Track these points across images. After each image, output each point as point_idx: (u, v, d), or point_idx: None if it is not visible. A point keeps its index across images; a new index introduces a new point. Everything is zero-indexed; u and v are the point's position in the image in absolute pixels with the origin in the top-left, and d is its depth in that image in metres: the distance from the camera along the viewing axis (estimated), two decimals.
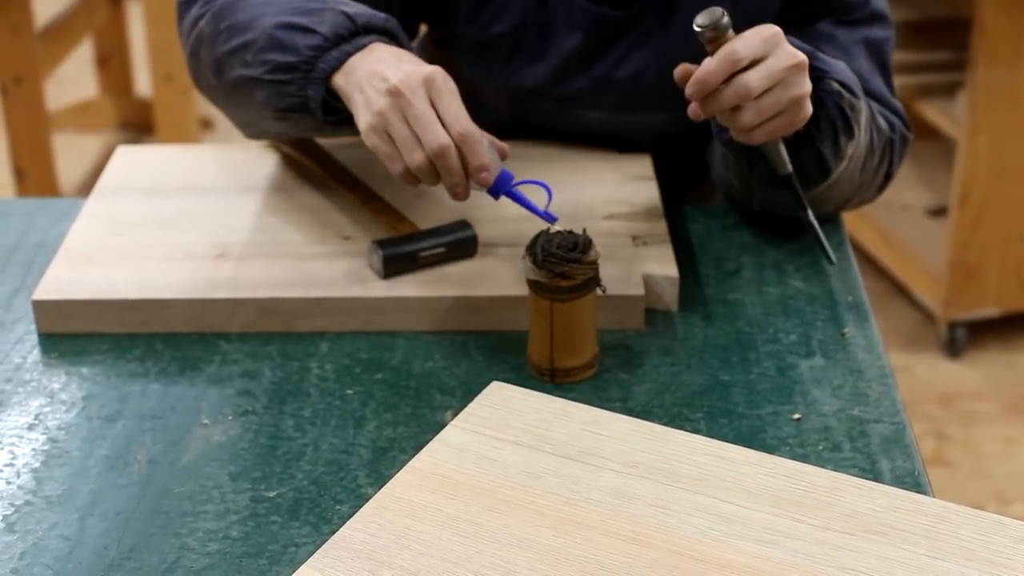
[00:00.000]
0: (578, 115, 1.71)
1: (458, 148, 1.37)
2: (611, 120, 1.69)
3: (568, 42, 1.66)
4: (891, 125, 1.63)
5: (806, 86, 1.38)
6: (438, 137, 1.35)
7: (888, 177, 1.66)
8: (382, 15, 1.49)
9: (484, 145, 1.38)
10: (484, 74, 1.71)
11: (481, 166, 1.38)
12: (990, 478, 2.93)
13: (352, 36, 1.45)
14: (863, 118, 1.50)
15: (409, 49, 1.49)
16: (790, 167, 1.48)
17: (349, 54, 1.43)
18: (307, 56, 1.45)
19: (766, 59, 1.35)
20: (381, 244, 1.48)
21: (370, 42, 1.45)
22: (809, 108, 1.40)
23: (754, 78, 1.34)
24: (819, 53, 1.48)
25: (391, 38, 1.48)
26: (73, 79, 4.62)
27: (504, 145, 1.44)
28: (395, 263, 1.48)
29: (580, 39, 1.65)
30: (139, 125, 4.41)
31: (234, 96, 1.56)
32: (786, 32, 1.45)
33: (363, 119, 1.39)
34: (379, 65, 1.40)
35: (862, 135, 1.51)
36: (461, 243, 1.51)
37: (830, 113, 1.47)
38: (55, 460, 1.28)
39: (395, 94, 1.36)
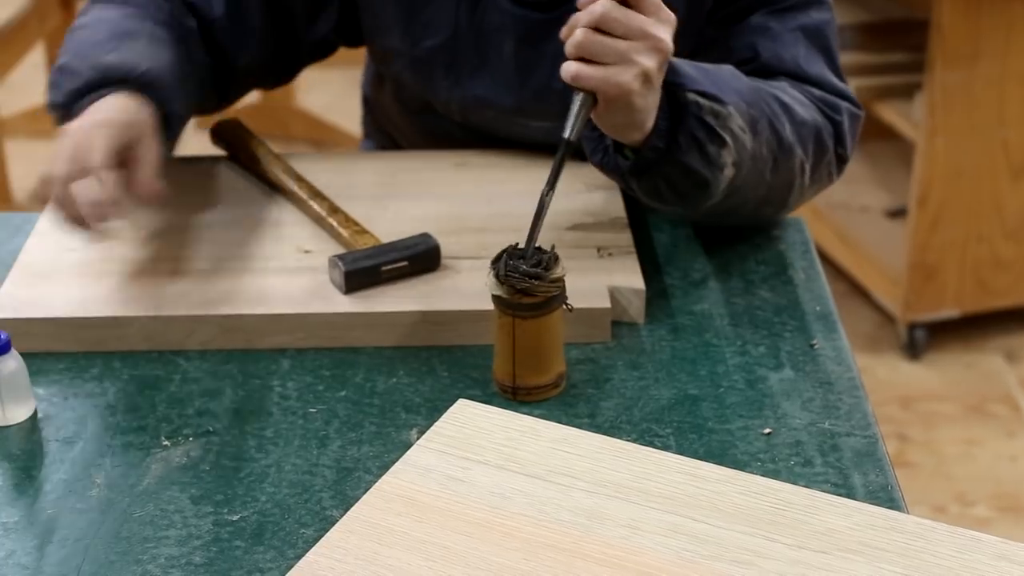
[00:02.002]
0: (521, 125, 1.69)
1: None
2: (555, 129, 1.66)
3: (502, 49, 1.65)
4: (835, 107, 1.59)
5: (637, 56, 1.32)
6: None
7: (842, 160, 1.63)
8: (142, 68, 1.51)
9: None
10: (427, 88, 1.71)
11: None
12: (952, 480, 2.92)
13: (100, 86, 1.50)
14: (736, 123, 1.43)
15: (171, 103, 1.53)
16: (568, 134, 1.36)
17: (92, 100, 1.48)
18: (65, 100, 1.51)
19: (635, 14, 1.32)
20: (342, 259, 1.46)
21: (110, 92, 1.49)
22: (629, 88, 1.33)
23: (599, 11, 1.32)
24: (677, 63, 1.41)
25: (144, 90, 1.50)
26: (24, 85, 4.57)
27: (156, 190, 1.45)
28: (357, 278, 1.45)
29: (512, 45, 1.64)
30: None
31: None
32: (721, 29, 1.47)
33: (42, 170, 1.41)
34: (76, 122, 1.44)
35: (745, 139, 1.45)
36: (423, 255, 1.49)
37: (688, 126, 1.41)
38: (11, 485, 1.25)
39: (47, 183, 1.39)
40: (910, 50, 3.26)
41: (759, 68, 1.57)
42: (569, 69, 1.34)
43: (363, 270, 1.46)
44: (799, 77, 1.59)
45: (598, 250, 1.53)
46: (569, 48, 1.34)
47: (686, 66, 1.43)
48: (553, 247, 1.33)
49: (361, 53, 1.88)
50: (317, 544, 1.09)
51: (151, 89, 1.52)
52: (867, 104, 3.28)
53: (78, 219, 1.38)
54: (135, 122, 1.46)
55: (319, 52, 1.79)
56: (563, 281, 1.32)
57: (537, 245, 1.32)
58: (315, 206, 1.58)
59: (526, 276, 1.29)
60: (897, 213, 3.48)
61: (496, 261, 1.32)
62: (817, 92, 1.59)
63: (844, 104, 1.61)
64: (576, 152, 1.69)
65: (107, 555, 1.17)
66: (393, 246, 1.49)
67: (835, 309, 1.50)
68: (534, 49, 1.64)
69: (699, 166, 1.43)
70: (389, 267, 1.47)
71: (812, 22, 1.60)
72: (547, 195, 1.36)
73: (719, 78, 1.45)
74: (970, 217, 3.18)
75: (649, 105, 1.37)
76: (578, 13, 1.34)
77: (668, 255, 1.60)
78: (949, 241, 3.19)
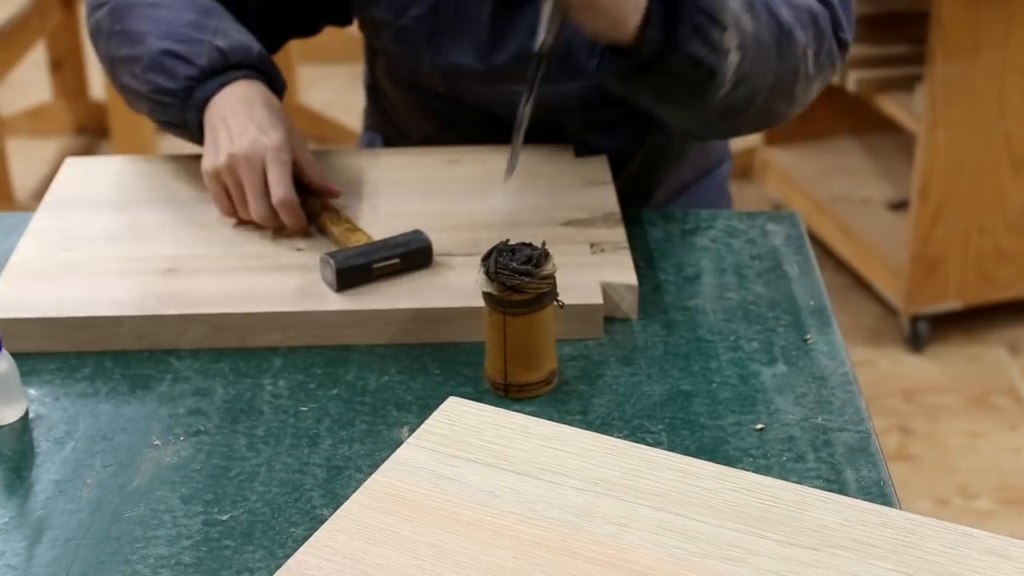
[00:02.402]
0: (504, 91, 1.68)
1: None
2: (540, 96, 1.65)
3: (480, 14, 1.66)
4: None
5: None
6: (260, 208, 1.54)
7: (842, 44, 1.58)
8: (255, 50, 1.62)
9: (298, 209, 1.54)
10: (412, 58, 1.73)
11: (293, 227, 1.55)
12: (955, 473, 2.92)
13: (224, 71, 1.60)
14: (733, 5, 1.40)
15: (277, 82, 1.64)
16: (540, 44, 1.38)
17: (221, 85, 1.59)
18: (185, 85, 1.59)
19: None
20: (333, 256, 1.45)
21: (239, 77, 1.60)
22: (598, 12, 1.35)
23: None
24: None
25: (260, 72, 1.62)
26: (26, 83, 4.57)
27: (335, 189, 1.61)
28: (349, 276, 1.45)
29: (489, 9, 1.65)
30: (94, 129, 4.36)
31: (120, 92, 1.69)
32: None
33: (206, 162, 1.57)
34: (233, 118, 1.56)
35: (745, 21, 1.42)
36: (415, 253, 1.49)
37: (687, 12, 1.38)
38: (2, 486, 1.25)
39: (232, 161, 1.54)
40: (911, 42, 3.25)
41: None
42: None
43: (354, 268, 1.45)
44: None
45: (591, 246, 1.52)
46: None
47: None
48: (544, 243, 1.32)
49: (361, 48, 1.90)
50: (305, 543, 1.09)
51: (268, 69, 1.62)
52: (868, 96, 3.29)
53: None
54: (288, 126, 1.58)
55: (305, 29, 1.84)
56: (554, 278, 1.31)
57: (528, 242, 1.32)
58: (307, 204, 1.58)
59: (516, 273, 1.29)
60: (899, 205, 3.48)
61: (486, 258, 1.31)
62: None
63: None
64: (545, 114, 1.68)
65: (97, 556, 1.16)
66: (385, 243, 1.49)
67: (829, 303, 1.50)
68: (508, 12, 1.65)
69: (703, 53, 1.40)
70: (381, 265, 1.46)
71: None
72: (524, 107, 1.43)
73: None
74: (972, 209, 3.17)
75: (614, 2, 1.36)
76: None
77: (662, 250, 1.59)
78: (951, 233, 3.18)
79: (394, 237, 1.50)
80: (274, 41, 1.80)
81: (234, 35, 1.62)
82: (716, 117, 1.52)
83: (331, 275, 1.44)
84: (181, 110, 1.60)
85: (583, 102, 1.69)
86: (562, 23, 1.38)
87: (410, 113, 1.85)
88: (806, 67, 1.52)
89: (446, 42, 1.69)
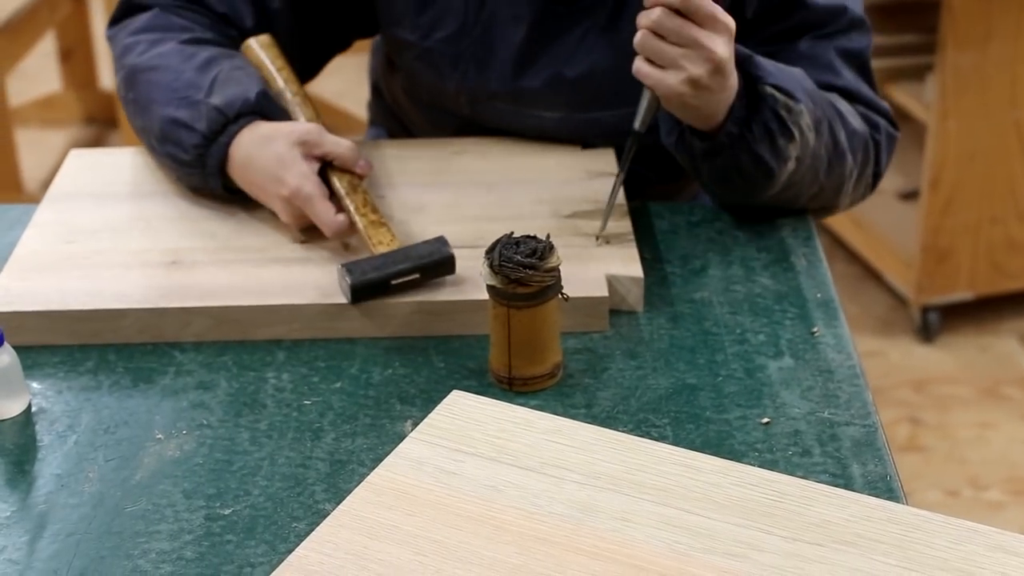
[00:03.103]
0: (533, 116, 1.69)
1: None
2: (567, 119, 1.67)
3: (511, 38, 1.65)
4: (875, 125, 1.66)
5: (687, 62, 1.42)
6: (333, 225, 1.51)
7: (877, 176, 1.69)
8: (252, 94, 1.58)
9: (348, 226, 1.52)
10: (436, 79, 1.71)
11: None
12: (965, 464, 2.91)
13: (225, 127, 1.57)
14: (805, 120, 1.52)
15: (277, 118, 1.59)
16: (639, 125, 1.51)
17: (227, 145, 1.57)
18: (195, 154, 1.58)
19: (691, 23, 1.41)
20: (351, 271, 1.41)
21: (242, 127, 1.57)
22: (678, 91, 1.44)
23: (654, 17, 1.42)
24: (758, 58, 1.51)
25: (261, 114, 1.58)
26: (35, 73, 4.57)
27: (364, 165, 1.57)
28: (364, 291, 1.42)
29: (524, 33, 1.64)
30: (104, 119, 4.35)
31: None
32: (768, 48, 1.55)
33: (282, 217, 1.54)
34: (256, 171, 1.55)
35: (810, 136, 1.53)
36: (436, 266, 1.44)
37: (763, 117, 1.49)
38: (3, 480, 1.25)
39: (290, 200, 1.51)
40: (922, 31, 3.24)
41: None
42: (635, 64, 1.45)
43: (371, 284, 1.41)
44: (849, 95, 1.64)
45: (597, 238, 1.51)
46: (635, 46, 1.44)
47: (765, 62, 1.51)
48: (548, 236, 1.32)
49: (370, 40, 1.89)
50: (307, 539, 1.08)
51: (267, 110, 1.59)
52: (879, 86, 3.27)
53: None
54: (300, 133, 1.56)
55: (339, 45, 1.83)
56: (558, 270, 1.30)
57: (532, 234, 1.31)
58: (336, 181, 1.55)
59: (520, 266, 1.28)
60: (910, 195, 3.46)
61: (490, 251, 1.31)
62: (862, 109, 1.65)
63: (883, 123, 1.67)
64: (572, 142, 1.70)
65: (98, 550, 1.16)
66: (406, 254, 1.44)
67: (836, 296, 1.49)
68: (545, 37, 1.64)
69: (767, 155, 1.52)
70: (399, 281, 1.43)
71: (855, 45, 1.66)
72: (619, 178, 1.54)
73: (792, 76, 1.53)
74: (983, 199, 3.16)
75: (707, 104, 1.47)
76: (641, 12, 1.44)
77: (668, 242, 1.58)
78: (962, 223, 3.17)
79: (416, 246, 1.45)
80: (316, 63, 1.81)
81: (230, 86, 1.59)
82: (756, 204, 1.62)
83: (347, 289, 1.42)
84: (202, 178, 1.59)
85: (614, 129, 1.68)
86: (658, 109, 1.51)
87: (425, 126, 1.84)
88: (848, 186, 1.64)
89: (473, 65, 1.68)
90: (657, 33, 1.42)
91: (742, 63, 1.49)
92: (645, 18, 1.43)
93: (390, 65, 1.86)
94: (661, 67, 1.43)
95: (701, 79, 1.43)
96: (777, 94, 1.49)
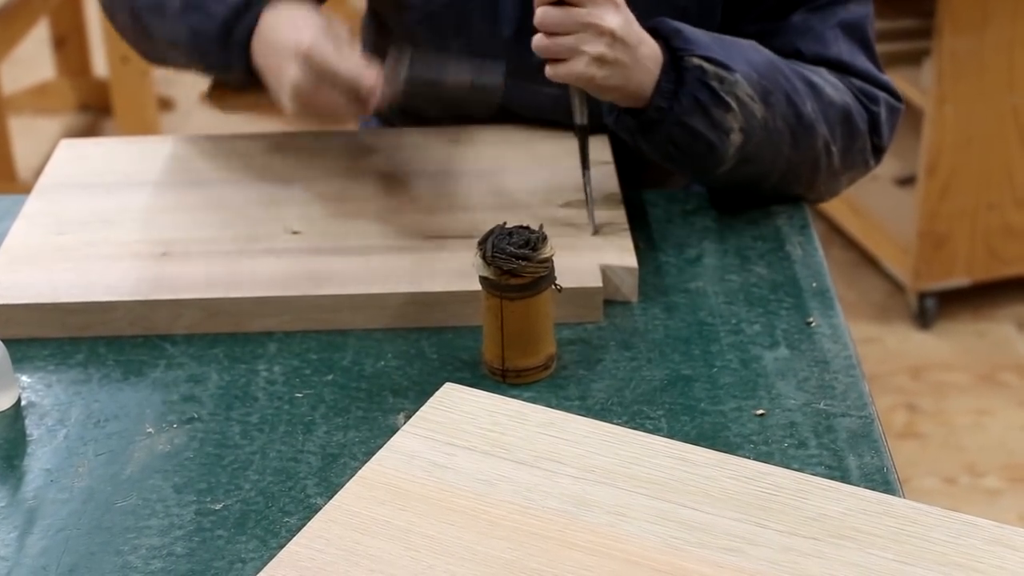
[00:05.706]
0: (533, 92, 1.66)
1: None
2: (564, 98, 1.65)
3: (511, 13, 1.63)
4: (873, 97, 1.63)
5: (584, 45, 1.42)
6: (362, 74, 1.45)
7: (877, 149, 1.66)
8: None
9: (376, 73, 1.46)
10: (437, 49, 1.67)
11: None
12: (962, 451, 2.90)
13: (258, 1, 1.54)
14: (743, 90, 1.49)
15: None
16: (578, 119, 1.52)
17: (259, 16, 1.53)
18: (222, 25, 1.54)
19: (572, 8, 1.41)
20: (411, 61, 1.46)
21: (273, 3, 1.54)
22: (588, 75, 1.43)
23: (539, 17, 1.42)
24: (687, 31, 1.50)
25: None
26: (29, 61, 4.55)
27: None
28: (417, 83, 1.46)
29: (521, 8, 1.62)
30: (98, 107, 4.34)
31: (151, 53, 1.67)
32: (760, 24, 1.55)
33: (289, 100, 1.48)
34: (278, 34, 1.50)
35: (755, 108, 1.50)
36: (486, 87, 1.48)
37: (691, 88, 1.48)
38: None
39: (308, 56, 1.44)
40: (918, 16, 3.23)
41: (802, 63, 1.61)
42: (546, 68, 1.45)
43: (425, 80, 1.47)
44: (841, 68, 1.62)
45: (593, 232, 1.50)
46: (534, 50, 1.44)
47: (699, 34, 1.50)
48: (541, 226, 1.30)
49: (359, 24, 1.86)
50: (298, 534, 1.07)
51: None
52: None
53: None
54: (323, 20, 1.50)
55: None
56: (551, 261, 1.29)
57: (525, 225, 1.30)
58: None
59: (513, 257, 1.27)
60: (907, 181, 3.45)
61: (483, 242, 1.29)
62: (857, 82, 1.63)
63: (883, 95, 1.64)
64: (568, 119, 1.68)
65: (88, 546, 1.15)
66: (459, 62, 1.48)
67: (832, 285, 1.48)
68: None
69: (703, 127, 1.49)
70: (453, 80, 1.47)
71: (852, 16, 1.63)
72: (585, 174, 1.53)
73: (732, 48, 1.51)
74: (980, 185, 3.15)
75: (627, 80, 1.45)
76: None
77: (663, 231, 1.57)
78: (959, 209, 3.16)
79: (472, 61, 1.49)
80: None
81: None
82: (725, 186, 1.61)
83: (403, 71, 1.45)
84: (222, 54, 1.56)
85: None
86: (589, 97, 1.51)
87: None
88: (828, 161, 1.60)
89: (475, 35, 1.66)
90: (550, 32, 1.42)
91: (668, 37, 1.48)
92: (535, 21, 1.42)
93: (382, 36, 1.84)
94: (565, 60, 1.43)
95: (605, 55, 1.42)
96: (705, 64, 1.47)
